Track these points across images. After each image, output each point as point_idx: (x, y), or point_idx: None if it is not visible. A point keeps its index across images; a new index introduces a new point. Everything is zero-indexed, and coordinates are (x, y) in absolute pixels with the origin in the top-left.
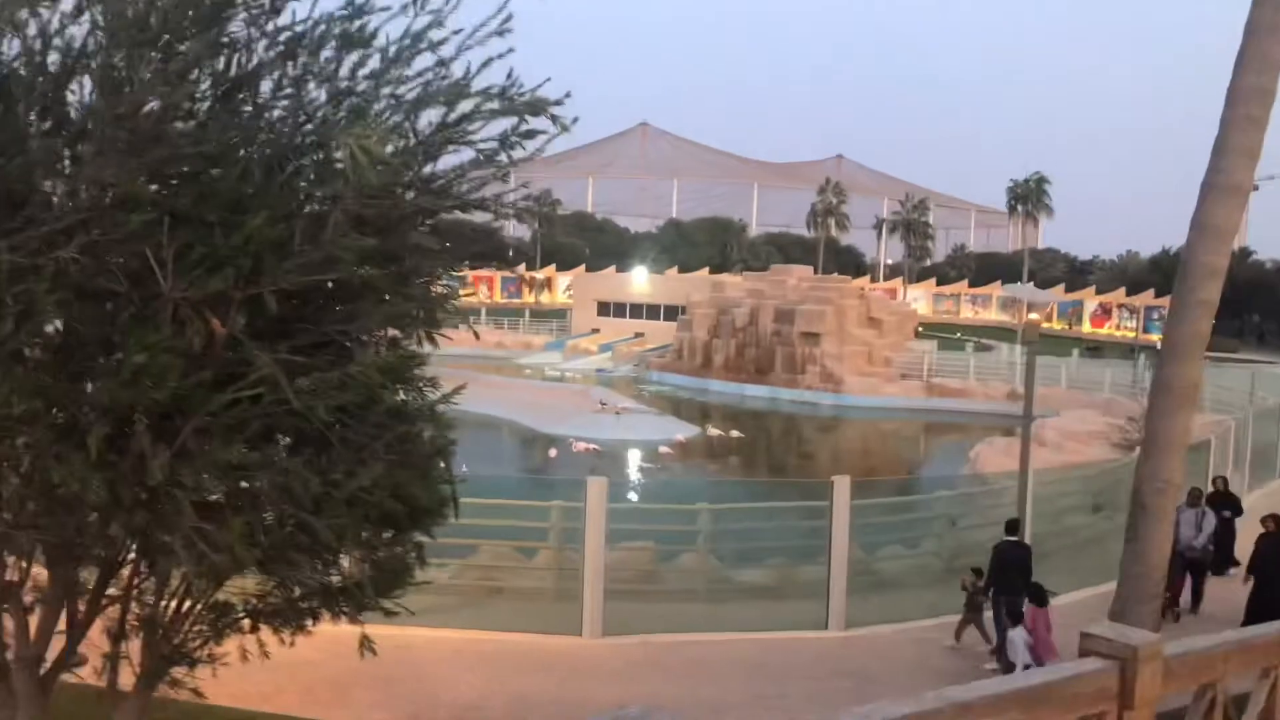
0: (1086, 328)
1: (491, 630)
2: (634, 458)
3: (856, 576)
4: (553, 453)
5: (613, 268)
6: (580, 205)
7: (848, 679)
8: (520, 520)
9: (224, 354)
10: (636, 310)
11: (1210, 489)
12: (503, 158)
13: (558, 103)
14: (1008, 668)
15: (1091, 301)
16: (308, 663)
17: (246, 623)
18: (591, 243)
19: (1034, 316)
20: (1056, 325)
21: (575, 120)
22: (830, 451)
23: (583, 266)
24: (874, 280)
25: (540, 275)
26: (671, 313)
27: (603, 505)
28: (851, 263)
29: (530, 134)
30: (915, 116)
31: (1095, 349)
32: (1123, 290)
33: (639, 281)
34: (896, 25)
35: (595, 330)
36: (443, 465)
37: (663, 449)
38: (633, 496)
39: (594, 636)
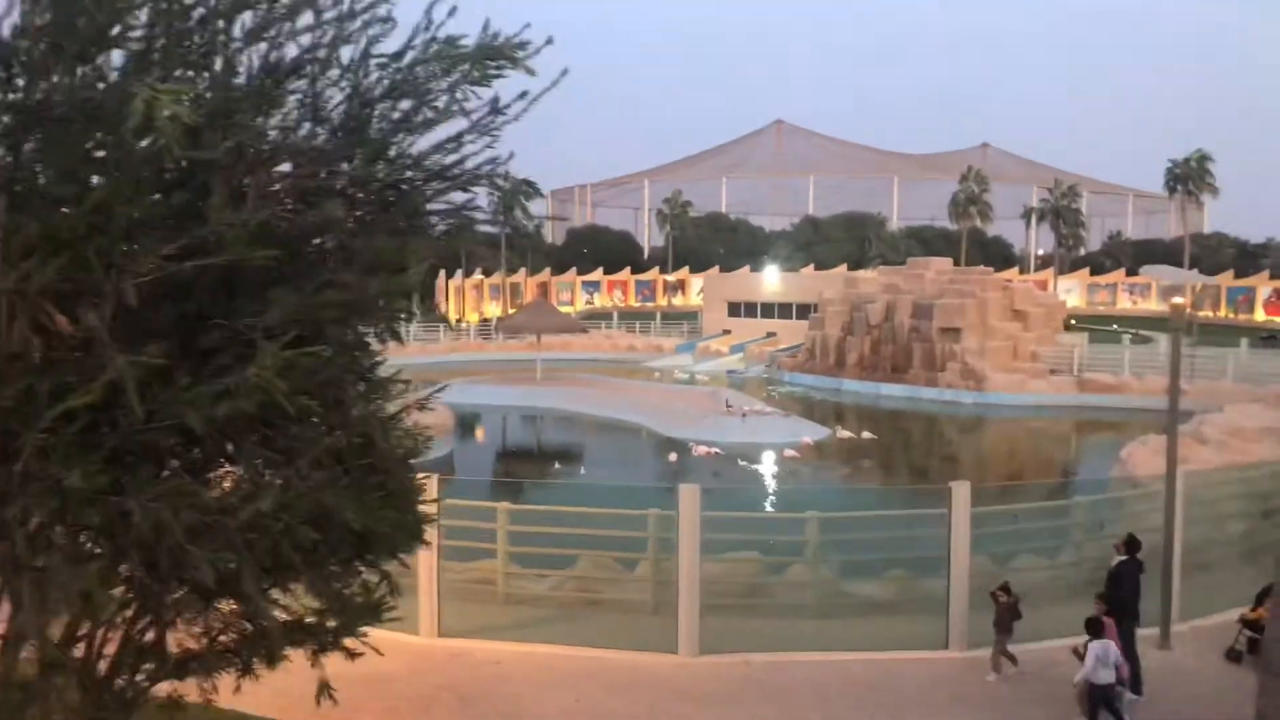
0: (1260, 315)
1: (585, 646)
2: (758, 461)
3: (984, 590)
4: (673, 456)
5: (746, 268)
6: (714, 206)
7: (968, 706)
8: (618, 530)
9: (72, 357)
10: (768, 310)
11: None
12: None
13: (524, 46)
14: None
15: (1265, 287)
16: (393, 678)
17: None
18: (725, 243)
19: (1179, 300)
20: (1225, 313)
21: (564, 73)
22: (971, 453)
23: (716, 268)
24: (1023, 272)
25: (672, 278)
26: (804, 311)
27: (696, 514)
28: (999, 254)
29: (486, 78)
30: (1068, 101)
31: (1269, 338)
32: None
33: (770, 280)
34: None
35: (726, 331)
36: (409, 483)
37: (788, 452)
38: (743, 502)
39: (690, 654)
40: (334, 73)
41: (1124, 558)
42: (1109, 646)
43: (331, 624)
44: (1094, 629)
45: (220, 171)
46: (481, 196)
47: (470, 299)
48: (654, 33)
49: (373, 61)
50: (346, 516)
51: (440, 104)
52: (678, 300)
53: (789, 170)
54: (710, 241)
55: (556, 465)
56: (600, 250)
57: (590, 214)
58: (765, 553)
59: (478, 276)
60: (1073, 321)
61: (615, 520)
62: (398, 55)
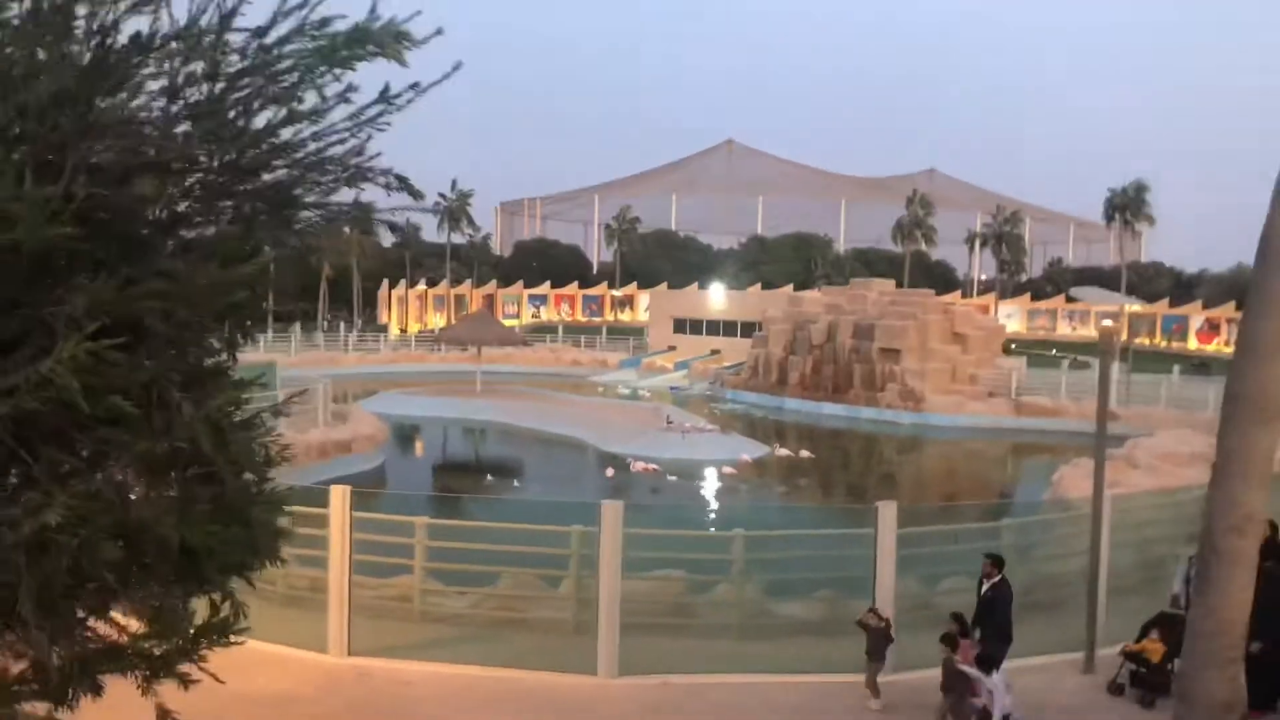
0: (1192, 344)
1: (502, 666)
2: (696, 478)
3: (911, 612)
4: (610, 472)
5: (694, 285)
6: (664, 223)
7: None
8: (540, 547)
9: None
10: (713, 327)
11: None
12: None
13: (404, 36)
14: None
15: (1198, 316)
16: (296, 699)
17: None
18: (674, 260)
19: (1109, 323)
20: (1159, 341)
21: (457, 66)
22: (908, 473)
23: (664, 284)
24: (965, 296)
25: (619, 293)
26: (749, 329)
27: (618, 530)
28: (943, 278)
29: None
30: (1013, 130)
31: (1201, 365)
32: (1233, 305)
33: (716, 298)
34: (992, 33)
35: (671, 347)
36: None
37: (726, 469)
38: (673, 520)
39: (609, 676)
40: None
41: (996, 579)
42: (1006, 674)
43: (161, 648)
44: (988, 662)
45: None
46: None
47: (414, 309)
48: (609, 45)
49: (229, 37)
50: (163, 531)
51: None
52: (625, 316)
53: (739, 189)
54: (658, 258)
55: (489, 478)
56: (549, 264)
57: (540, 227)
58: (691, 571)
59: (421, 287)
60: (1012, 345)
61: (537, 536)
62: (259, 32)
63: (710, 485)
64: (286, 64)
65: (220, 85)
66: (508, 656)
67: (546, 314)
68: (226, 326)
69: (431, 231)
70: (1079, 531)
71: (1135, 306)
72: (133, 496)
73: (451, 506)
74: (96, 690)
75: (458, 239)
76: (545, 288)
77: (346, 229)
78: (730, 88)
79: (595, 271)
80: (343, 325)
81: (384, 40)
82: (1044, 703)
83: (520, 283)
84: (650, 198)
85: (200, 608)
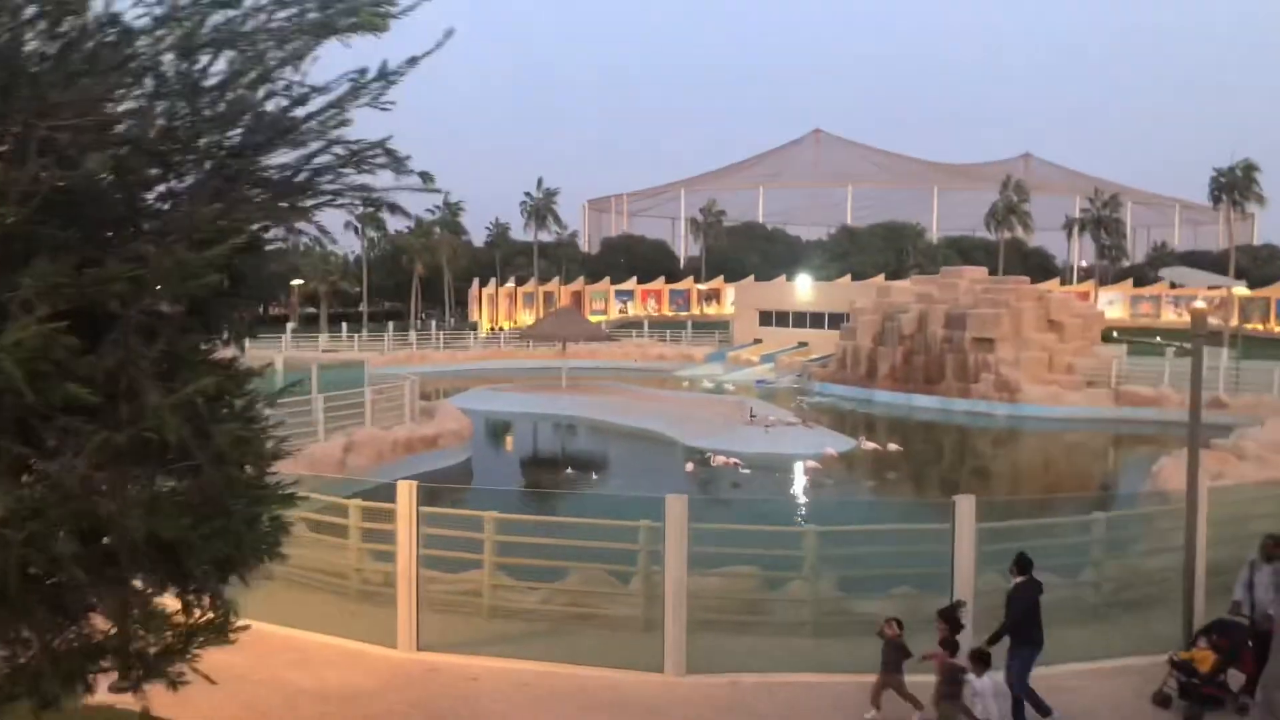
0: None
1: (569, 663)
2: (777, 472)
3: (992, 610)
4: (690, 466)
5: (780, 277)
6: (751, 216)
7: None
8: (610, 541)
9: None
10: (800, 319)
11: None
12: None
13: (387, 3)
14: None
15: None
16: (361, 694)
17: None
18: (761, 253)
19: (1201, 304)
20: (1274, 326)
21: (449, 34)
22: (1002, 466)
23: (750, 277)
24: (1064, 283)
25: (705, 287)
26: (836, 321)
27: (684, 525)
28: (1040, 265)
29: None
30: (1115, 111)
31: None
32: None
33: (803, 289)
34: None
35: (757, 340)
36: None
37: (810, 463)
38: (748, 515)
39: (676, 674)
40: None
41: (1020, 579)
42: (999, 679)
43: (150, 648)
44: (982, 660)
45: None
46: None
47: (503, 307)
48: (696, 41)
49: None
50: (130, 524)
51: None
52: (712, 309)
53: (826, 180)
54: (745, 251)
55: (570, 472)
56: (636, 260)
57: (627, 223)
58: (764, 568)
59: (510, 285)
60: (1113, 334)
61: (606, 531)
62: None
63: (793, 479)
64: (263, 35)
65: (195, 60)
66: (575, 653)
67: (633, 309)
68: (212, 314)
69: (520, 231)
70: (1177, 526)
71: (1240, 287)
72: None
73: (526, 501)
74: (85, 689)
75: (545, 237)
76: (632, 283)
77: (436, 230)
78: (818, 77)
79: (682, 266)
80: (434, 324)
81: (364, 11)
82: (1089, 709)
83: (607, 279)
84: (737, 191)
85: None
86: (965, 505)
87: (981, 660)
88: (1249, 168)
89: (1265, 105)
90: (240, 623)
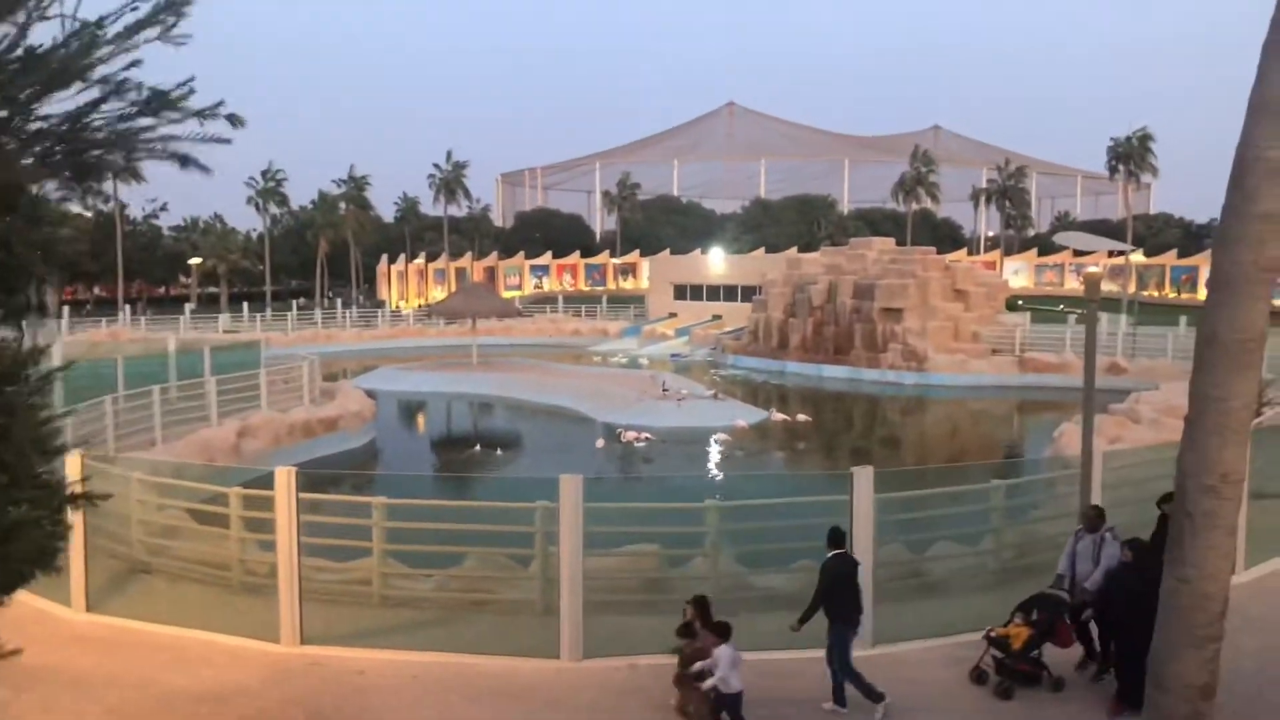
0: (1202, 295)
1: (462, 652)
2: (688, 446)
3: (896, 581)
4: (600, 443)
5: (696, 251)
6: (667, 189)
7: (867, 709)
8: (506, 525)
9: None
10: (714, 292)
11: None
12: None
13: None
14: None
15: (1208, 266)
16: (241, 692)
17: None
18: (676, 227)
19: (1094, 269)
20: (1169, 293)
21: None
22: (911, 434)
23: (666, 250)
24: (971, 253)
25: (620, 261)
26: (750, 294)
27: (578, 505)
28: (948, 236)
29: None
30: (1019, 83)
31: None
32: None
33: (716, 263)
34: None
35: (672, 314)
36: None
37: (720, 436)
38: (650, 492)
39: (573, 659)
40: None
41: (831, 553)
42: (737, 652)
43: None
44: (722, 631)
45: None
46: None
47: (413, 284)
48: (611, 12)
49: None
50: None
51: None
52: (628, 284)
53: (740, 153)
54: (660, 224)
55: (478, 449)
56: (551, 234)
57: (541, 197)
58: (665, 546)
59: (421, 261)
60: (1017, 301)
61: (502, 514)
62: None
63: (704, 453)
64: None
65: None
66: (469, 641)
67: (549, 284)
68: None
69: (430, 205)
70: (1076, 491)
71: (1137, 254)
72: None
73: (426, 484)
74: None
75: (456, 212)
76: (547, 258)
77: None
78: (730, 51)
79: (598, 240)
80: (341, 302)
81: None
82: (912, 690)
83: (521, 254)
84: (651, 164)
85: None
86: (863, 476)
87: (719, 631)
88: (1145, 138)
89: (1165, 76)
90: (10, 648)
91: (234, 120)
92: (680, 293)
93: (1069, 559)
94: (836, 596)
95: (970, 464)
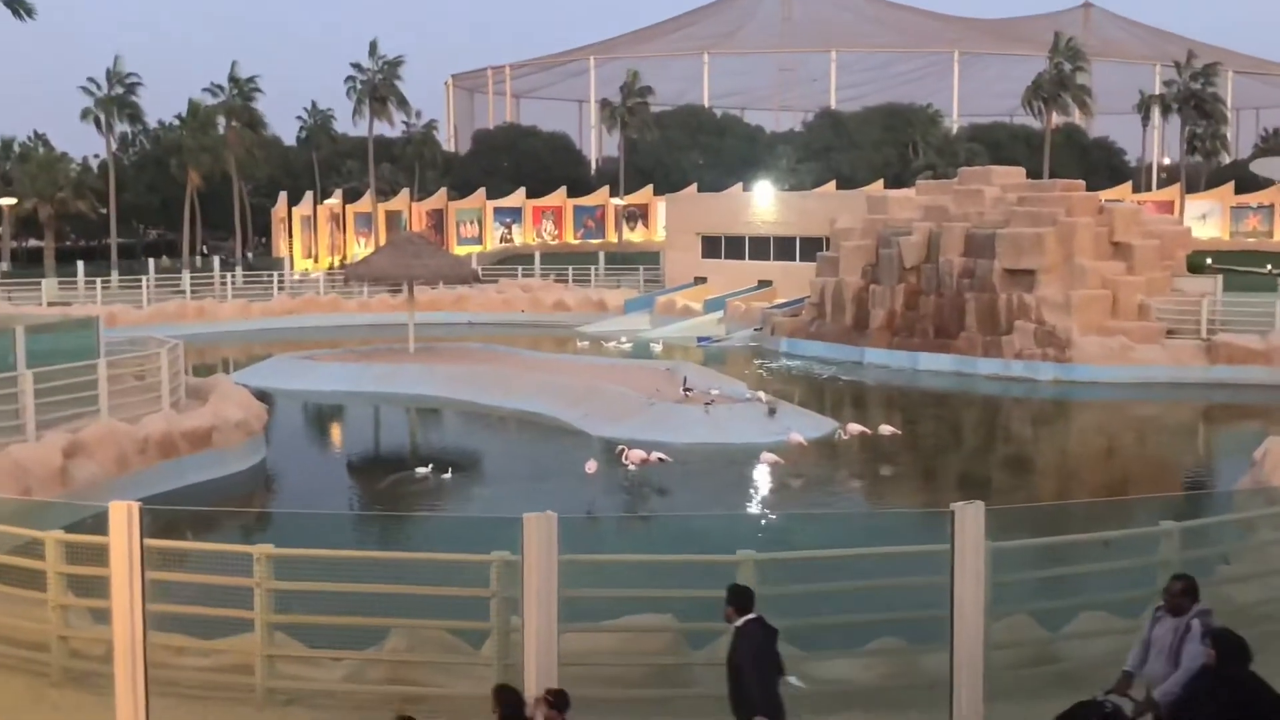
0: None
1: None
2: (721, 471)
3: (1022, 669)
4: (590, 466)
5: (736, 186)
6: (693, 97)
7: None
8: (450, 586)
9: None
10: (761, 248)
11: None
12: None
13: None
14: None
15: None
16: None
17: None
18: (706, 151)
19: None
20: None
21: None
22: (1046, 454)
23: (692, 186)
24: (1138, 189)
25: (625, 201)
26: (814, 250)
27: (551, 557)
28: (1104, 164)
29: None
30: None
31: None
32: None
33: (764, 204)
34: None
35: (699, 280)
36: None
37: (768, 456)
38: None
39: None
40: None
41: (741, 620)
42: None
43: None
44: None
45: None
46: None
47: (325, 234)
48: None
49: None
50: None
51: None
52: (635, 235)
53: (800, 43)
54: (684, 148)
55: (416, 475)
56: (524, 162)
57: (511, 110)
58: (684, 616)
59: (336, 200)
60: (1207, 261)
61: (446, 570)
62: None
63: (741, 481)
64: None
65: None
66: None
67: (522, 236)
68: None
69: (348, 121)
70: None
71: None
72: None
73: (336, 527)
74: None
75: (387, 131)
76: (519, 197)
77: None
78: None
79: (593, 172)
80: (219, 261)
81: None
82: None
83: (482, 191)
84: (670, 60)
85: None
86: (969, 516)
87: (552, 703)
88: None
89: None
90: None
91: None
92: (712, 248)
93: (1141, 650)
94: (760, 682)
95: (1131, 498)
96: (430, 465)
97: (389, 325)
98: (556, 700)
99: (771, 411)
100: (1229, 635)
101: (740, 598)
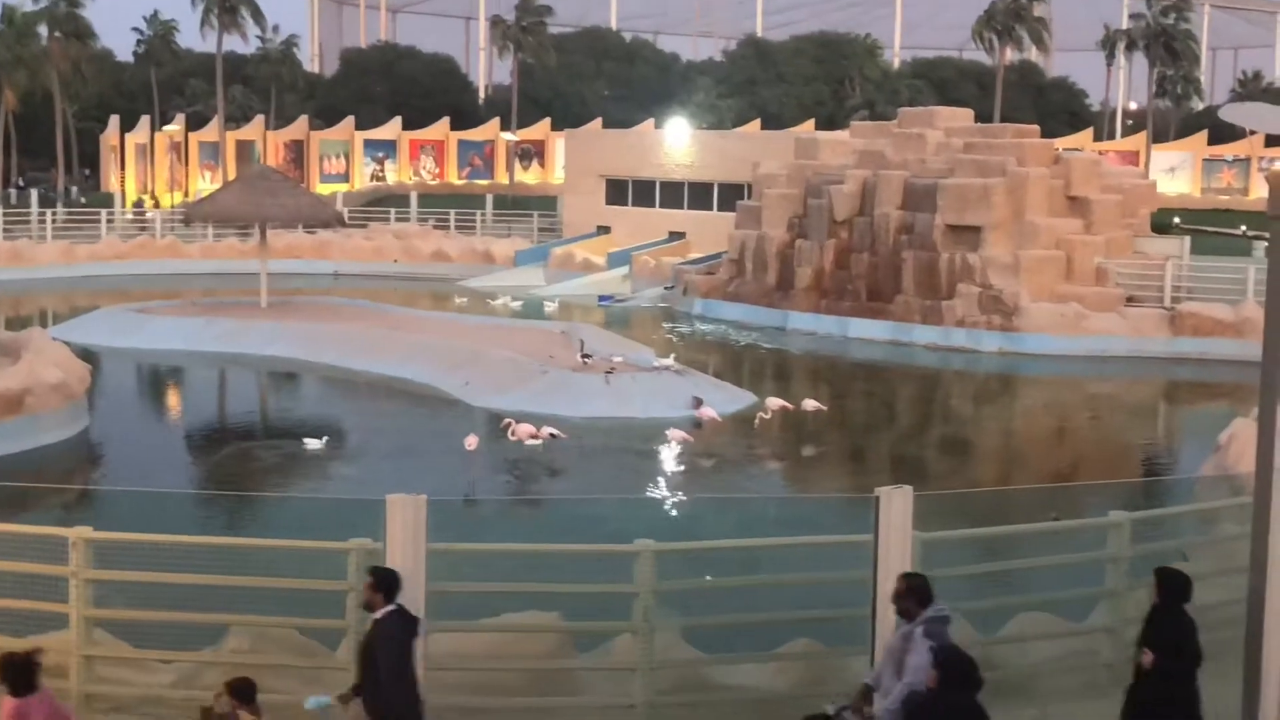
0: None
1: None
2: (623, 449)
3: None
4: (471, 442)
5: (647, 123)
6: (597, 18)
7: None
8: (301, 578)
9: None
10: (673, 194)
11: None
12: None
13: None
14: None
15: None
16: None
17: None
18: (613, 80)
19: None
20: None
21: None
22: (989, 434)
23: (596, 121)
24: (1100, 138)
25: (518, 135)
26: (734, 198)
27: (418, 545)
28: (1062, 108)
29: None
30: None
31: None
32: None
33: (677, 144)
34: None
35: (603, 229)
36: None
37: (676, 433)
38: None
39: None
40: None
41: (383, 612)
42: None
43: None
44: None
45: None
46: None
47: (163, 167)
48: None
49: None
50: None
51: None
52: (529, 177)
53: None
54: (587, 77)
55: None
56: (401, 88)
57: (385, 26)
58: (572, 614)
59: (177, 127)
60: (1174, 221)
61: (293, 559)
62: None
63: (645, 461)
64: None
65: None
66: None
67: (396, 174)
68: None
69: (194, 35)
70: (1248, 532)
71: None
72: None
73: (169, 509)
74: None
75: (239, 47)
76: (393, 128)
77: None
78: None
79: (481, 101)
80: (37, 195)
81: None
82: None
83: (350, 121)
84: None
85: None
86: (896, 502)
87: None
88: None
89: None
90: None
91: None
92: (617, 193)
93: (886, 660)
94: (397, 685)
95: (1079, 484)
96: (324, 438)
97: (237, 275)
98: (239, 690)
99: (669, 369)
100: (956, 657)
101: (386, 581)
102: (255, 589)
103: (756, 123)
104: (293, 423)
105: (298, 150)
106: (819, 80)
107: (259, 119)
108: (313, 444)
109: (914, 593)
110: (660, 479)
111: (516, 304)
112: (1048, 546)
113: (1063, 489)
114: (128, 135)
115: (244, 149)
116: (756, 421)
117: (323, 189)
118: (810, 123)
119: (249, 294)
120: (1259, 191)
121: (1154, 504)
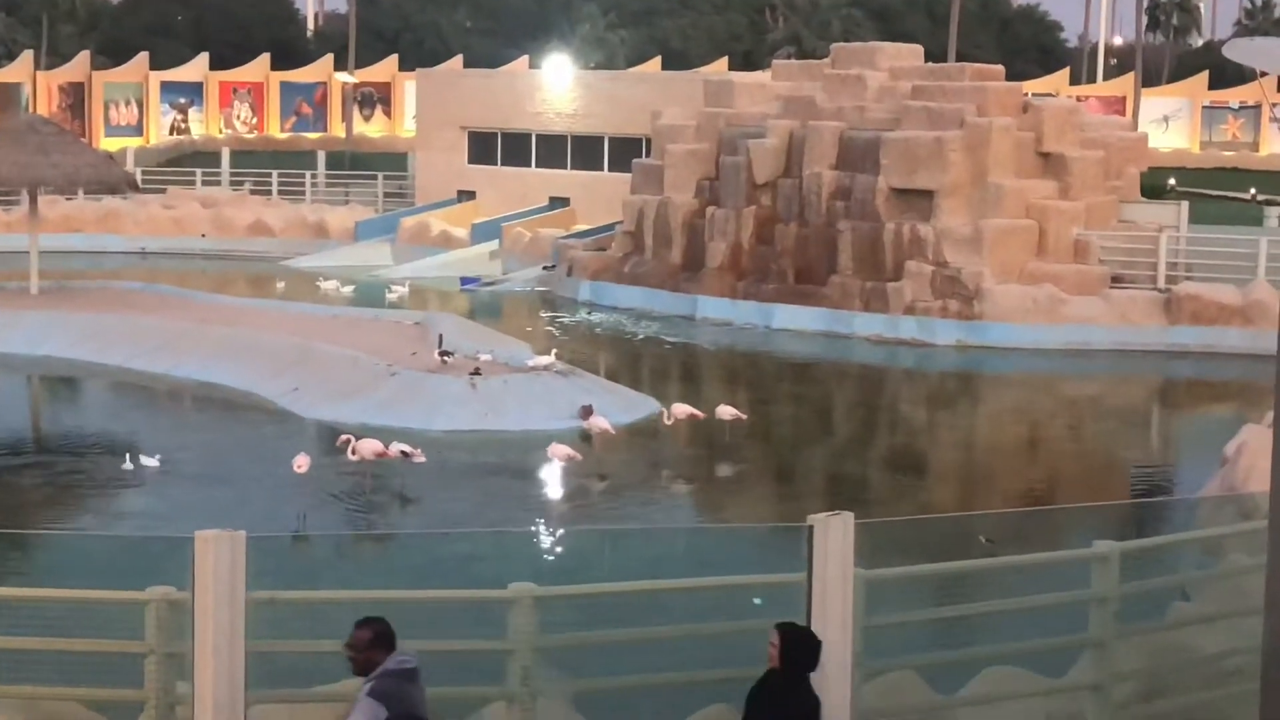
0: None
1: None
2: (492, 471)
3: None
4: (300, 464)
5: (521, 60)
6: None
7: None
8: (92, 638)
9: None
10: (553, 151)
11: None
12: None
13: None
14: None
15: None
16: None
17: None
18: (476, 10)
19: None
20: None
21: None
22: (945, 448)
23: (457, 59)
24: (1078, 80)
25: (357, 77)
26: (628, 155)
27: (235, 594)
28: (1033, 43)
29: None
30: None
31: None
32: None
33: (557, 88)
34: None
35: (465, 195)
36: None
37: (559, 450)
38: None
39: None
40: None
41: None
42: None
43: None
44: None
45: None
46: None
47: None
48: None
49: None
50: None
51: None
52: (373, 129)
53: None
54: (445, 6)
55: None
56: (209, 18)
57: None
58: (441, 678)
59: None
60: (1169, 183)
61: (81, 614)
62: None
63: (520, 485)
64: None
65: None
66: None
67: (203, 124)
68: None
69: None
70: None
71: None
72: None
73: None
74: None
75: None
76: (199, 68)
77: None
78: None
79: (310, 34)
80: None
81: None
82: None
83: (144, 58)
84: None
85: None
86: (835, 533)
87: None
88: None
89: None
90: None
91: None
92: (483, 150)
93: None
94: None
95: (1056, 508)
96: (144, 456)
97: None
98: None
99: (549, 369)
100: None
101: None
102: (28, 652)
103: (656, 61)
104: (73, 441)
105: (77, 95)
106: (733, 9)
107: (26, 55)
108: (149, 462)
109: (380, 641)
110: (540, 507)
111: (348, 289)
112: (1020, 585)
113: (1036, 513)
114: None
115: (7, 94)
116: (658, 432)
117: (109, 144)
118: (723, 62)
119: (15, 277)
120: (1271, 147)
121: (1147, 531)
